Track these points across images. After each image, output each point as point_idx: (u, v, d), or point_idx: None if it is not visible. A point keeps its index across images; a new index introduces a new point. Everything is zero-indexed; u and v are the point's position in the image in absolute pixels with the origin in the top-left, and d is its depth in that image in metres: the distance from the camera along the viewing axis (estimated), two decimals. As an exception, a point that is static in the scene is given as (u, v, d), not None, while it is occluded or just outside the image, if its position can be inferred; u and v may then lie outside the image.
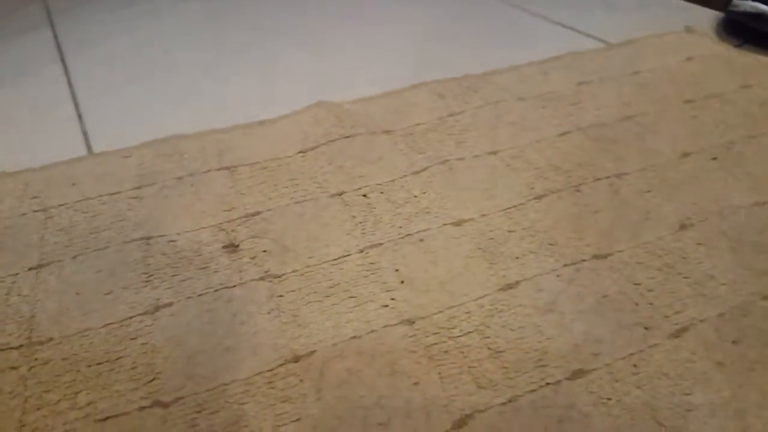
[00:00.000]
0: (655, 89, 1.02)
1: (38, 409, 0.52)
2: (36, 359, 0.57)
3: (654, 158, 0.85)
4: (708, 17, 1.26)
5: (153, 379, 0.55)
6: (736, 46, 1.15)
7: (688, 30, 1.21)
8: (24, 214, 0.75)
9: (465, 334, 0.60)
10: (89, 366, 0.56)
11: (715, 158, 0.84)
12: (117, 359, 0.57)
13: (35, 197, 0.78)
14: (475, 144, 0.89)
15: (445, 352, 0.58)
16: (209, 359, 0.57)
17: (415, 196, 0.78)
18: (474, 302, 0.63)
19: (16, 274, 0.66)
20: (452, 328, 0.60)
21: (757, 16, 1.12)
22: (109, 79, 1.12)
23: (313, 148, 0.88)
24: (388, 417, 0.52)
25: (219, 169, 0.84)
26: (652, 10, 1.33)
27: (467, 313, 0.62)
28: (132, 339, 0.59)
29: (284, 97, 1.04)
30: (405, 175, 0.82)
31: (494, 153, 0.87)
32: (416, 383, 0.55)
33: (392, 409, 0.53)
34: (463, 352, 0.58)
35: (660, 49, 1.14)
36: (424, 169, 0.83)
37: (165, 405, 0.53)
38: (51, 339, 0.59)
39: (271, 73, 1.12)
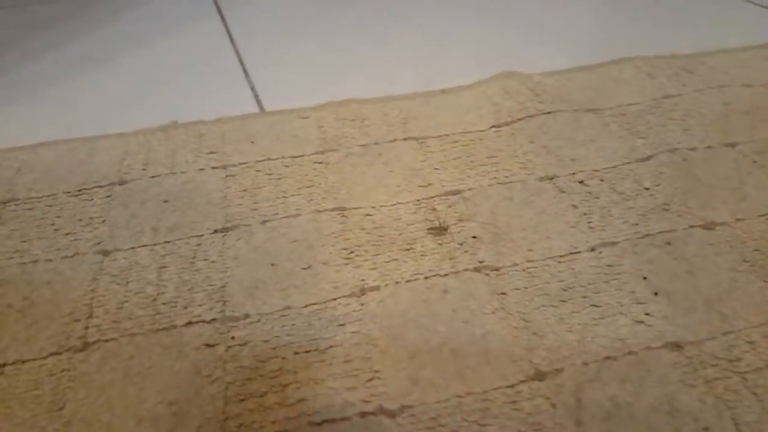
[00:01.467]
0: None
1: (242, 400, 0.44)
2: (233, 338, 0.49)
3: None
4: None
5: (372, 378, 0.45)
6: None
7: None
8: (202, 169, 0.68)
9: (754, 371, 0.46)
10: (296, 353, 0.47)
11: None
12: (327, 348, 0.48)
13: (212, 152, 0.71)
14: (705, 133, 0.74)
15: (734, 391, 0.45)
16: (435, 362, 0.47)
17: (647, 188, 0.65)
18: (756, 329, 0.50)
19: (201, 235, 0.59)
20: (735, 361, 0.47)
21: None
22: (270, 36, 1.05)
23: (508, 123, 0.76)
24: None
25: (405, 139, 0.74)
26: None
27: (750, 342, 0.49)
28: (340, 325, 0.50)
29: (463, 66, 0.92)
30: (627, 162, 0.69)
31: (732, 146, 0.72)
32: (706, 429, 0.42)
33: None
34: (756, 394, 0.45)
35: None
36: (649, 157, 0.70)
37: (391, 414, 0.43)
38: (247, 315, 0.51)
39: (446, 40, 1.01)
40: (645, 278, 0.54)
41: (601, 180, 0.66)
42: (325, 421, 0.43)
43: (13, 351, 0.48)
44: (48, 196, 0.65)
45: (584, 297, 0.52)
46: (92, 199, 0.64)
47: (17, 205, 0.64)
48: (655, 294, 0.53)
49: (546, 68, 0.90)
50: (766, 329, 0.50)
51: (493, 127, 0.76)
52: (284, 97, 0.85)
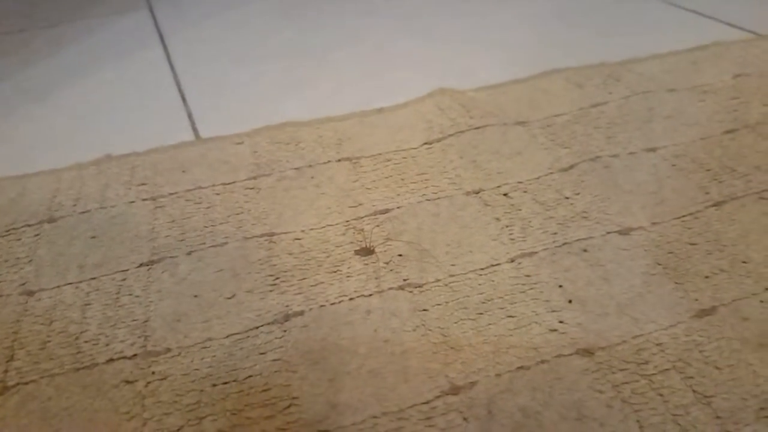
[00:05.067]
0: (841, 80, 0.86)
1: (160, 434, 0.44)
2: (153, 373, 0.49)
3: None
4: None
5: (289, 406, 0.46)
6: None
7: None
8: (132, 202, 0.69)
9: (661, 372, 0.48)
10: (214, 385, 0.48)
11: None
12: (246, 378, 0.48)
13: (143, 184, 0.72)
14: (628, 140, 0.77)
15: (641, 393, 0.46)
16: (353, 384, 0.48)
17: (567, 198, 0.67)
18: (665, 332, 0.51)
19: (126, 270, 0.59)
20: (643, 364, 0.49)
21: None
22: (211, 62, 1.06)
23: (439, 140, 0.78)
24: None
25: (339, 160, 0.75)
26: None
27: (658, 345, 0.50)
28: (261, 354, 0.50)
29: (400, 84, 0.94)
30: (551, 173, 0.71)
31: (653, 150, 0.75)
32: (612, 433, 0.44)
33: (587, 467, 0.42)
34: (662, 395, 0.46)
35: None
36: (572, 166, 0.72)
37: (306, 440, 0.44)
38: (168, 350, 0.51)
39: (383, 59, 1.03)
40: (560, 286, 0.56)
41: (525, 192, 0.68)
42: (241, 450, 0.43)
43: (-71, 400, 0.48)
44: (-25, 238, 0.65)
45: (501, 308, 0.54)
46: (20, 239, 0.64)
47: (-58, 249, 0.63)
48: (570, 301, 0.54)
49: (482, 83, 0.93)
50: (674, 331, 0.52)
51: (425, 144, 0.78)
52: (221, 123, 0.86)
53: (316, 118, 0.85)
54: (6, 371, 0.50)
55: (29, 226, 0.65)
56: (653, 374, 0.48)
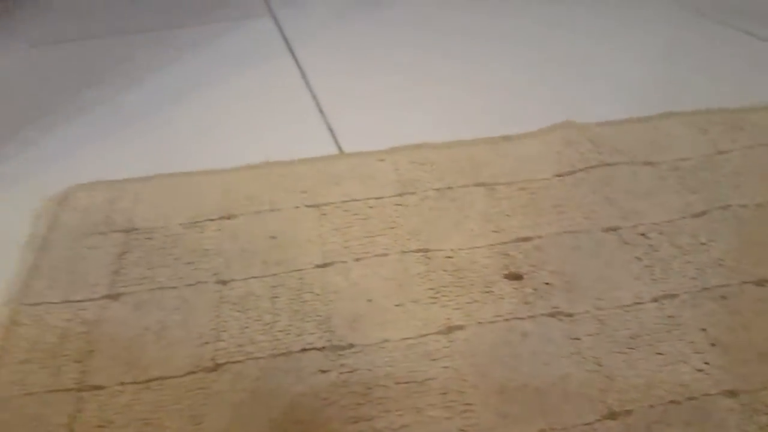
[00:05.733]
0: None
1: (355, 422, 0.52)
2: (342, 365, 0.56)
3: None
4: None
5: (466, 411, 0.52)
6: None
7: None
8: (297, 207, 0.76)
9: (804, 421, 0.52)
10: (397, 383, 0.55)
11: None
12: (424, 380, 0.55)
13: (303, 192, 0.79)
14: (755, 191, 0.80)
15: (786, 438, 0.51)
16: (520, 398, 0.54)
17: (702, 243, 0.71)
18: (806, 383, 0.55)
19: (303, 270, 0.67)
20: (787, 411, 0.53)
21: None
22: (341, 73, 1.13)
23: (570, 173, 0.83)
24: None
25: (476, 185, 0.81)
26: None
27: (800, 394, 0.54)
28: (433, 360, 0.57)
29: (525, 112, 1.00)
30: (684, 217, 0.75)
31: (781, 204, 0.78)
32: (762, 472, 0.49)
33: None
34: (806, 442, 0.51)
35: None
36: (704, 213, 0.76)
37: (485, 443, 0.50)
38: (352, 345, 0.58)
39: (508, 85, 1.09)
40: (704, 330, 0.61)
41: (661, 233, 0.73)
42: (429, 445, 0.50)
43: (154, 369, 0.56)
44: (162, 227, 0.73)
45: (649, 345, 0.59)
46: (203, 232, 0.72)
47: (138, 234, 0.72)
48: (713, 345, 0.59)
49: (600, 117, 0.97)
50: (814, 383, 0.56)
51: (556, 176, 0.83)
52: (359, 138, 0.93)
53: (448, 141, 0.91)
54: (216, 350, 0.58)
55: (211, 220, 0.74)
56: (797, 422, 0.52)
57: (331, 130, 0.96)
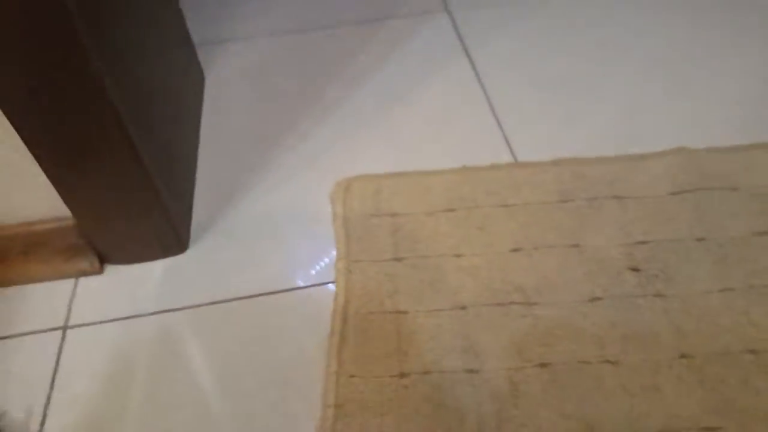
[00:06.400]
0: None
1: (543, 345, 1.00)
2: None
3: None
4: None
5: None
6: None
7: None
8: (492, 206, 1.21)
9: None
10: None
11: None
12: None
13: (495, 193, 1.23)
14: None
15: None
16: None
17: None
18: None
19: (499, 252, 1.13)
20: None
21: None
22: (515, 82, 1.49)
23: (679, 193, 1.22)
24: None
25: (612, 198, 1.22)
26: None
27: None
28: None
29: (640, 132, 1.35)
30: (756, 234, 1.14)
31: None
32: None
33: None
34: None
35: None
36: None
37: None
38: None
39: (629, 104, 1.42)
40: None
41: (734, 245, 1.13)
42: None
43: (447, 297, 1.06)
44: (412, 213, 1.21)
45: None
46: (439, 219, 1.19)
47: (400, 218, 1.20)
48: None
49: (719, 142, 1.30)
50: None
51: (670, 194, 1.22)
52: (531, 148, 1.33)
53: (595, 156, 1.30)
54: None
55: (441, 211, 1.20)
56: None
57: (506, 139, 1.38)
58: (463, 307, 1.04)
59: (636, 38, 1.58)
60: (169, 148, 1.17)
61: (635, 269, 1.09)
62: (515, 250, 1.13)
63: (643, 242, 1.14)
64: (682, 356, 0.98)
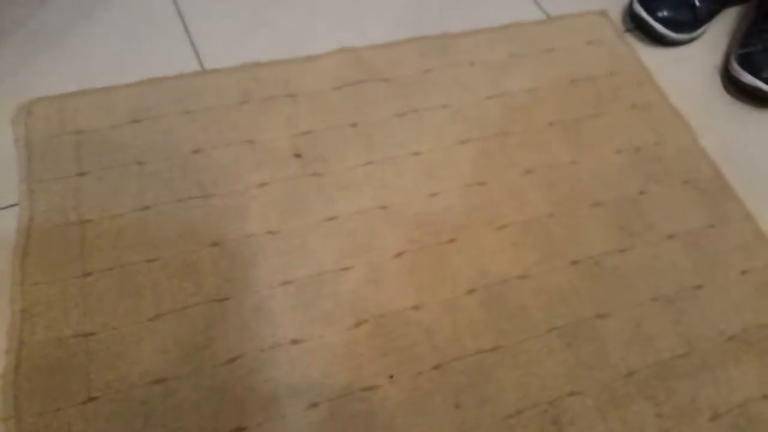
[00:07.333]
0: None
1: (217, 228, 1.19)
2: (209, 204, 1.21)
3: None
4: (623, 6, 1.77)
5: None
6: (626, 31, 1.68)
7: (602, 13, 1.72)
8: (176, 113, 1.33)
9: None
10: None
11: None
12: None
13: (179, 100, 1.35)
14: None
15: (400, 225, 1.25)
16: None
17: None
18: (418, 202, 1.29)
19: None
20: (405, 214, 1.27)
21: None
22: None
23: (339, 87, 1.45)
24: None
25: (286, 96, 1.41)
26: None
27: (413, 207, 1.28)
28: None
29: (313, 35, 1.55)
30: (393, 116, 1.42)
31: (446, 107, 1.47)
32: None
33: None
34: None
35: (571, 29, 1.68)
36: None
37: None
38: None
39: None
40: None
41: (375, 127, 1.40)
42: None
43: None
44: (96, 129, 1.28)
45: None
46: (122, 131, 1.28)
47: (84, 134, 1.27)
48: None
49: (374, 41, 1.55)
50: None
51: (333, 88, 1.45)
52: (220, 57, 1.45)
53: (272, 60, 1.47)
54: (146, 200, 1.20)
55: (126, 123, 1.29)
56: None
57: (195, 49, 1.48)
58: (145, 208, 1.18)
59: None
60: None
61: (298, 155, 1.31)
62: (195, 151, 1.28)
63: (307, 132, 1.35)
64: (329, 219, 1.23)
